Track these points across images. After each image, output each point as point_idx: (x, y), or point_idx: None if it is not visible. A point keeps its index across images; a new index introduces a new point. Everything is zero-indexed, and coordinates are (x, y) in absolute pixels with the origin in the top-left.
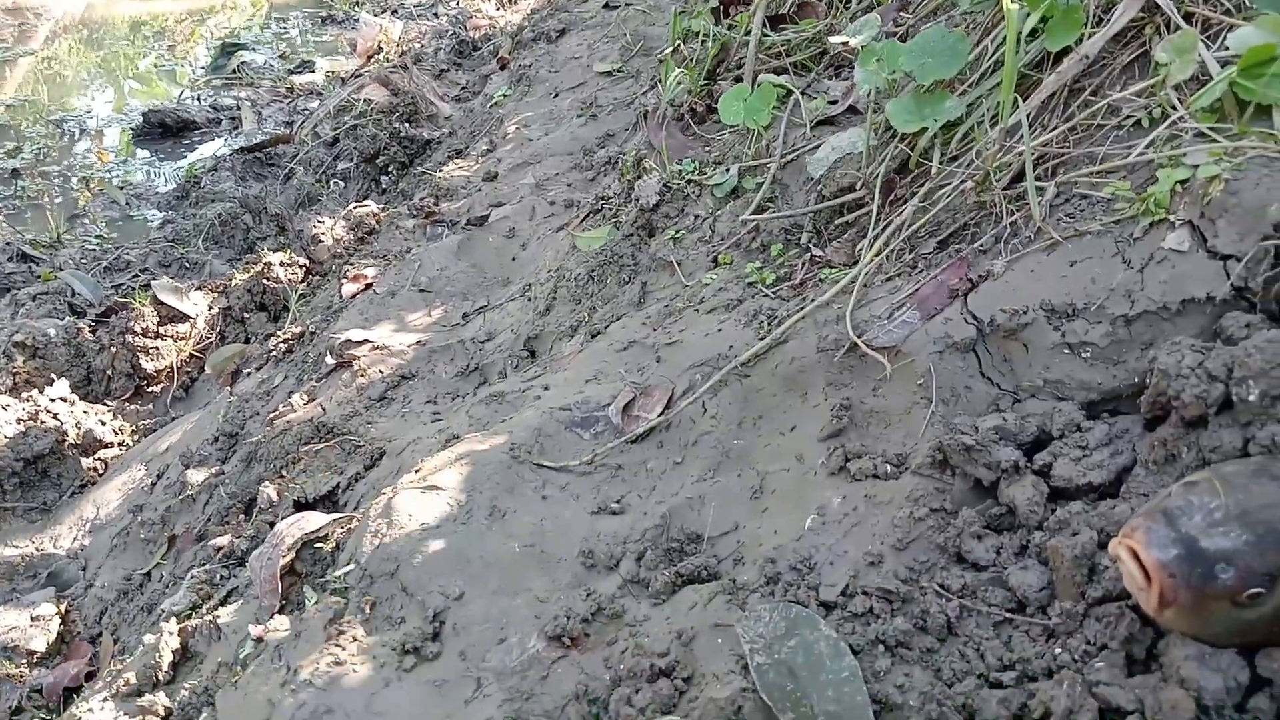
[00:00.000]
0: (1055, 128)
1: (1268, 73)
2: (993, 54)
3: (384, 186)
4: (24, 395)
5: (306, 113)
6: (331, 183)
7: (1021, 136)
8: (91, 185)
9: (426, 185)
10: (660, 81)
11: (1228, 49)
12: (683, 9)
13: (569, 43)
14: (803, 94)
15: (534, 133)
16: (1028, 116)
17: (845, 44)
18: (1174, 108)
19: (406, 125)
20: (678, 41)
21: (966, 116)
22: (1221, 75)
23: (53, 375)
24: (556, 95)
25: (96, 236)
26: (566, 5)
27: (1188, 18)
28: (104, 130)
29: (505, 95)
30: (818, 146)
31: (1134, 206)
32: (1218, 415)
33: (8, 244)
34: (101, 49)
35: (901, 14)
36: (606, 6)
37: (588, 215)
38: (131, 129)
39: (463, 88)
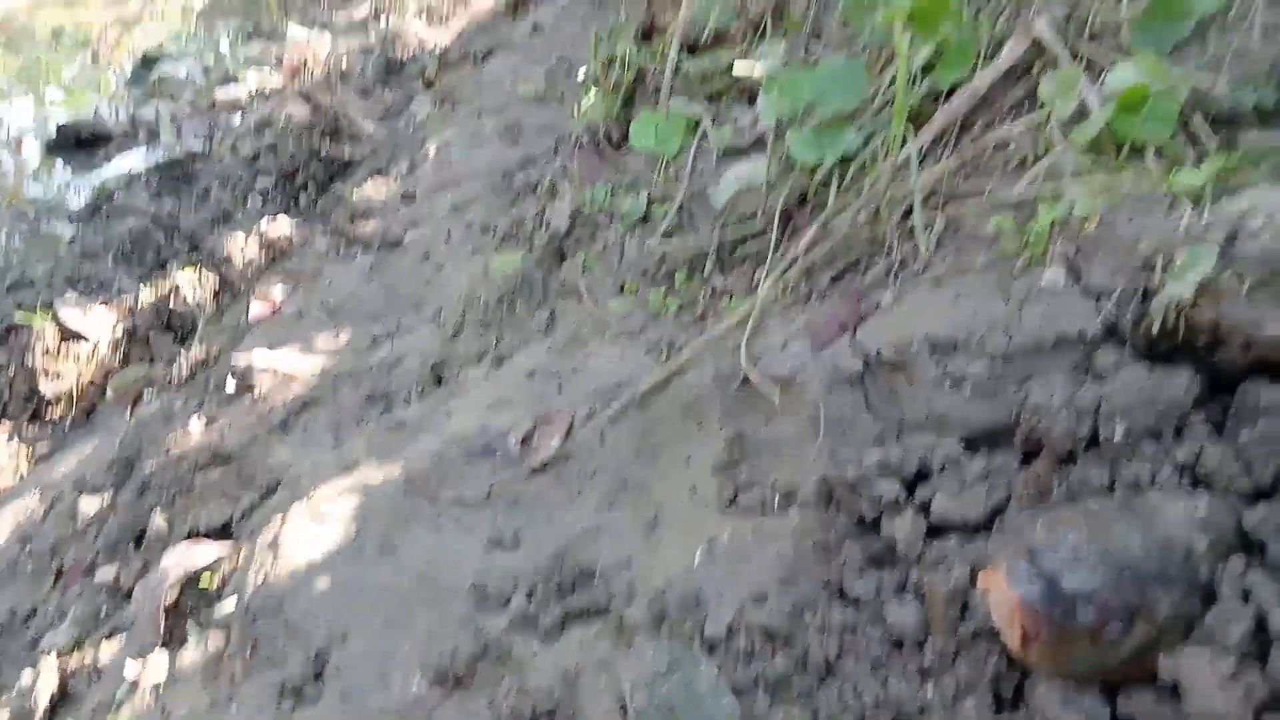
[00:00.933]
0: (945, 159)
1: (1142, 112)
2: (889, 85)
3: (302, 205)
4: None
5: (228, 127)
6: (249, 200)
7: (913, 171)
8: (0, 198)
9: (343, 204)
10: (579, 102)
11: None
12: (607, 32)
13: (495, 65)
14: (713, 122)
15: (455, 154)
16: (919, 150)
17: (750, 71)
18: (1054, 145)
19: (328, 143)
20: (597, 65)
21: (863, 149)
22: (1099, 113)
23: None
24: (480, 117)
25: (1, 250)
26: (495, 27)
27: (1074, 55)
28: (19, 141)
29: (430, 116)
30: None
31: (1015, 242)
32: (1086, 452)
33: None
34: (21, 55)
35: (814, 40)
36: (534, 29)
37: (503, 239)
38: (45, 141)
39: (388, 107)
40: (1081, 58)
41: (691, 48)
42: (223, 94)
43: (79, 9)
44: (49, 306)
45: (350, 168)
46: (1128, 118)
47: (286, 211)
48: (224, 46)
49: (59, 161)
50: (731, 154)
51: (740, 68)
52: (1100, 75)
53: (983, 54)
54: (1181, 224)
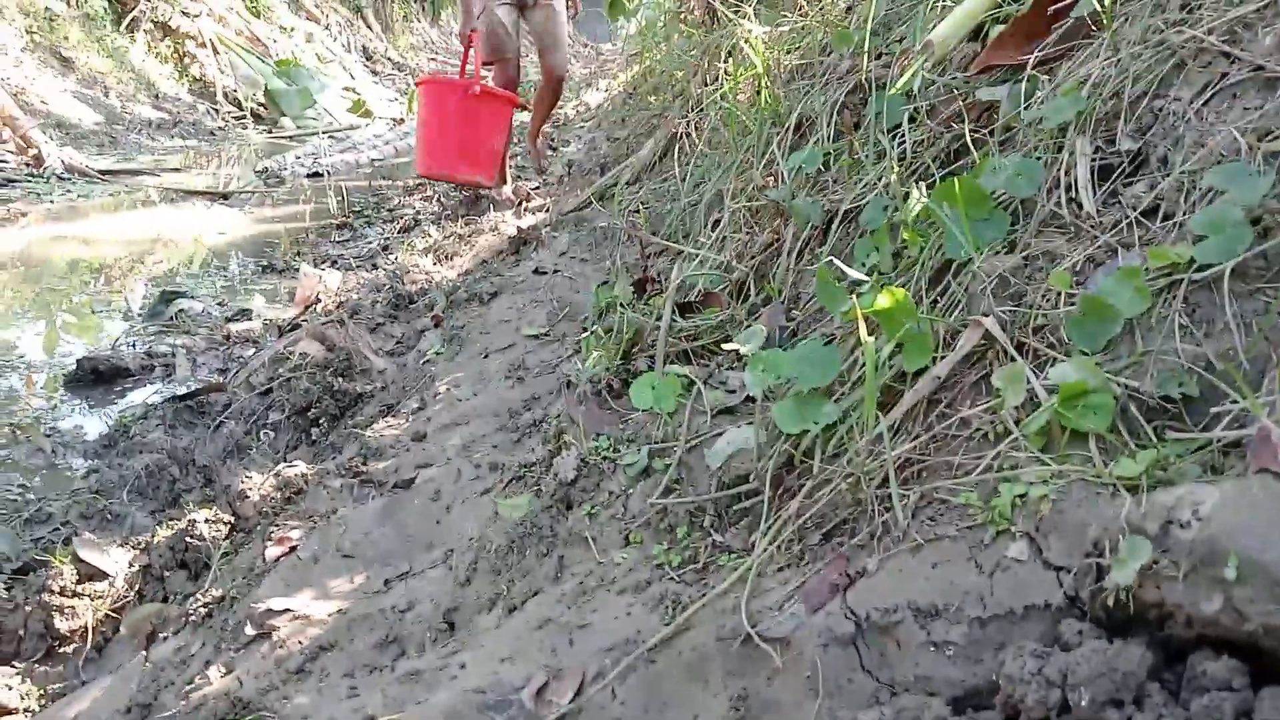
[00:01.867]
0: (917, 436)
1: (1081, 404)
2: (862, 365)
3: (314, 439)
4: None
5: (241, 361)
6: (262, 434)
7: (886, 443)
8: (18, 432)
9: (356, 442)
10: (581, 353)
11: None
12: (604, 281)
13: (500, 305)
14: (705, 383)
15: (463, 393)
16: (891, 427)
17: (736, 351)
18: (1010, 429)
19: (340, 380)
20: (596, 319)
21: (842, 421)
22: (1045, 405)
23: None
24: (486, 356)
25: (19, 485)
26: (498, 269)
27: (1019, 347)
28: (35, 374)
29: (438, 353)
30: (718, 435)
31: (983, 515)
32: (1059, 718)
33: None
34: (39, 286)
35: (791, 311)
36: (536, 272)
37: (510, 481)
38: (64, 374)
39: (397, 341)
40: (1027, 349)
41: (683, 306)
42: (237, 328)
43: (97, 245)
44: (67, 543)
45: (361, 401)
46: (1071, 410)
47: (299, 445)
48: (237, 282)
49: (76, 395)
50: (724, 412)
51: (729, 347)
52: (1045, 366)
53: (941, 343)
54: (1123, 512)
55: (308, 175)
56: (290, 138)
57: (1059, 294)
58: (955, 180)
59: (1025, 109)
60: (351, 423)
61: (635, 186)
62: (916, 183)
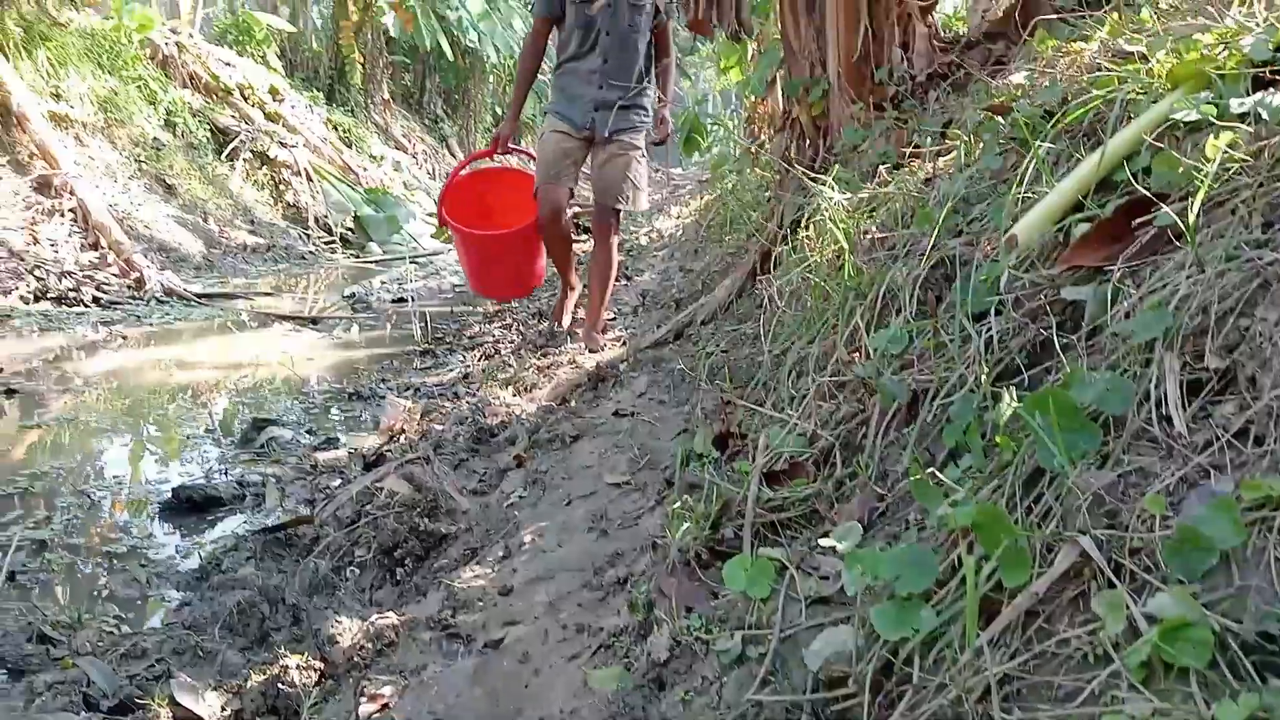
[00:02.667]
0: (1016, 652)
1: (1182, 639)
2: (959, 570)
3: (399, 579)
4: None
5: (328, 491)
6: (348, 571)
7: (987, 658)
8: (115, 561)
9: (443, 589)
10: (668, 518)
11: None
12: (684, 429)
13: (582, 449)
14: (798, 568)
15: (548, 543)
16: (990, 642)
17: (833, 548)
18: (1112, 655)
19: (426, 520)
20: (679, 469)
21: (942, 632)
22: (1145, 637)
23: None
24: (569, 503)
25: (115, 617)
26: (580, 409)
27: (1116, 569)
28: (131, 502)
29: (521, 497)
30: (814, 628)
31: None
32: None
33: (29, 624)
34: (137, 407)
35: (880, 481)
36: (616, 414)
37: (599, 649)
38: (159, 502)
39: (480, 478)
40: (1124, 571)
41: (768, 475)
42: (324, 457)
43: (192, 368)
44: (160, 679)
45: (446, 542)
46: (1170, 643)
47: (384, 585)
48: (324, 408)
49: (171, 524)
50: (819, 601)
51: (825, 543)
52: (1142, 591)
53: (1037, 558)
54: None
55: (393, 300)
56: (377, 262)
57: (1155, 515)
58: (1048, 393)
59: (1111, 316)
60: (437, 565)
61: (710, 327)
62: (1007, 386)
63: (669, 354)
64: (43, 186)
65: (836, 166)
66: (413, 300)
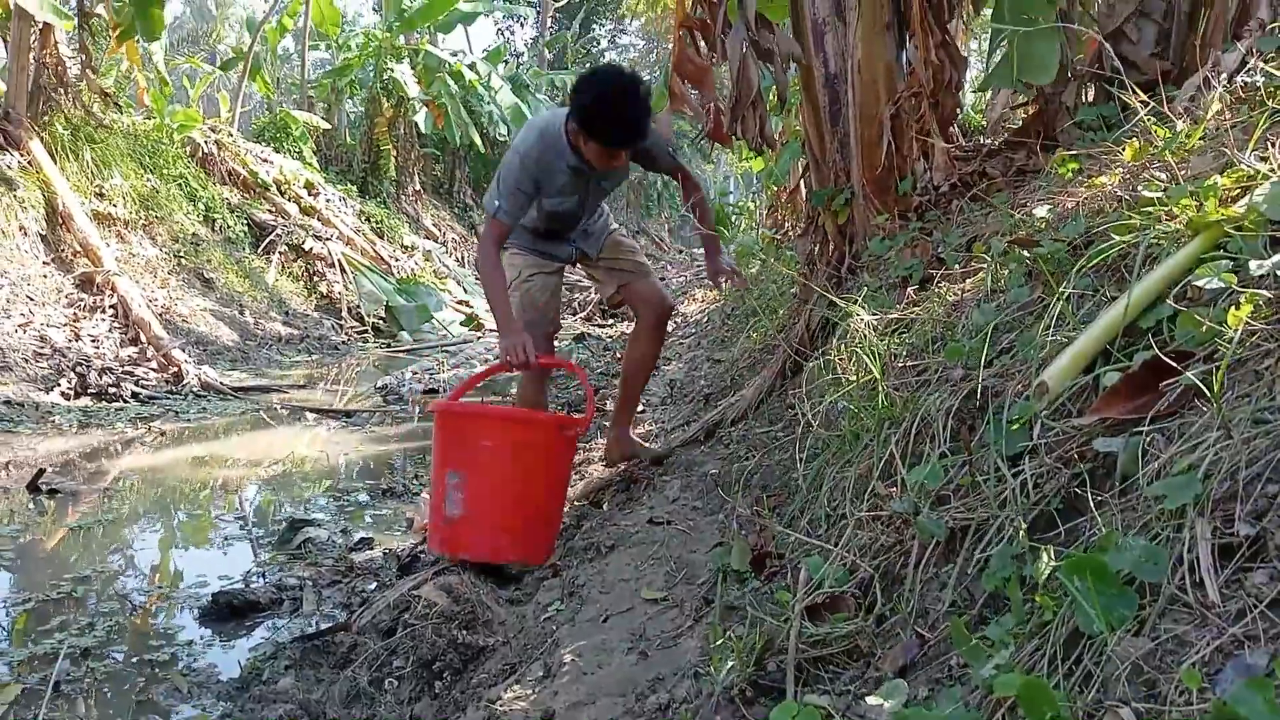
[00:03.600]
0: None
1: None
2: None
3: (437, 692)
4: None
5: (365, 596)
6: (387, 682)
7: None
8: (156, 670)
9: (484, 706)
10: (709, 654)
11: None
12: (720, 543)
13: (617, 560)
14: (843, 716)
15: (587, 663)
16: None
17: (880, 706)
18: None
19: (464, 633)
20: (715, 584)
21: None
22: None
23: None
24: (606, 620)
25: None
26: (613, 517)
27: None
28: (171, 607)
29: (558, 610)
30: None
31: None
32: None
33: None
34: (174, 507)
35: (921, 642)
36: (650, 522)
37: None
38: (198, 609)
39: (516, 586)
40: None
41: (809, 609)
42: (359, 558)
43: (228, 465)
44: None
45: (484, 655)
46: None
47: (421, 698)
48: (358, 507)
49: (210, 629)
50: None
51: (872, 701)
52: None
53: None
54: None
55: (424, 391)
56: (408, 351)
57: (1192, 690)
58: (1085, 560)
59: (1143, 474)
60: (475, 680)
61: (741, 427)
62: (1046, 546)
63: (700, 456)
64: (85, 284)
65: (864, 274)
66: (443, 391)
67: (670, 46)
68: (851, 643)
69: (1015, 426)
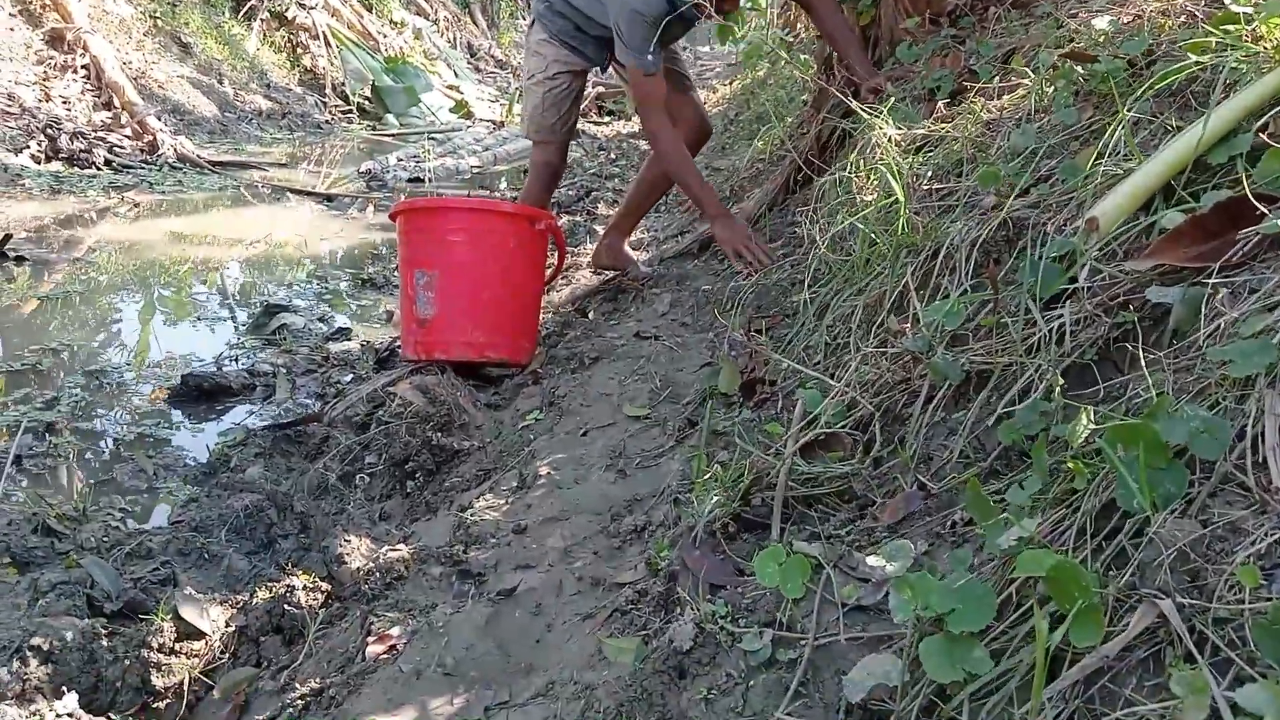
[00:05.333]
0: (1076, 712)
1: None
2: (1017, 606)
3: (409, 491)
4: (30, 708)
5: (340, 387)
6: (358, 478)
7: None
8: (122, 450)
9: (454, 511)
10: (692, 485)
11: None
12: (708, 363)
13: (600, 373)
14: (835, 566)
15: (563, 477)
16: (1049, 698)
17: (882, 568)
18: None
19: (439, 435)
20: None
21: (997, 684)
22: None
23: (63, 687)
24: (586, 434)
25: (120, 510)
26: (598, 327)
27: (1198, 639)
28: (140, 385)
29: (536, 419)
30: (851, 640)
31: None
32: None
33: (34, 514)
34: (146, 286)
35: (923, 492)
36: (637, 335)
37: (614, 613)
38: (168, 388)
39: (495, 391)
40: (1206, 642)
41: (804, 447)
42: (336, 348)
43: (203, 244)
44: (166, 584)
45: (458, 458)
46: None
47: (393, 495)
48: (337, 295)
49: (179, 412)
50: (856, 610)
51: (873, 562)
52: (1225, 669)
53: (1109, 612)
54: None
55: (409, 180)
56: (394, 135)
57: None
58: (1135, 427)
59: (1204, 334)
60: (448, 482)
61: None
62: (1084, 406)
63: (693, 270)
64: (55, 40)
65: (887, 84)
66: (429, 180)
67: None
68: (845, 483)
69: (1054, 261)
